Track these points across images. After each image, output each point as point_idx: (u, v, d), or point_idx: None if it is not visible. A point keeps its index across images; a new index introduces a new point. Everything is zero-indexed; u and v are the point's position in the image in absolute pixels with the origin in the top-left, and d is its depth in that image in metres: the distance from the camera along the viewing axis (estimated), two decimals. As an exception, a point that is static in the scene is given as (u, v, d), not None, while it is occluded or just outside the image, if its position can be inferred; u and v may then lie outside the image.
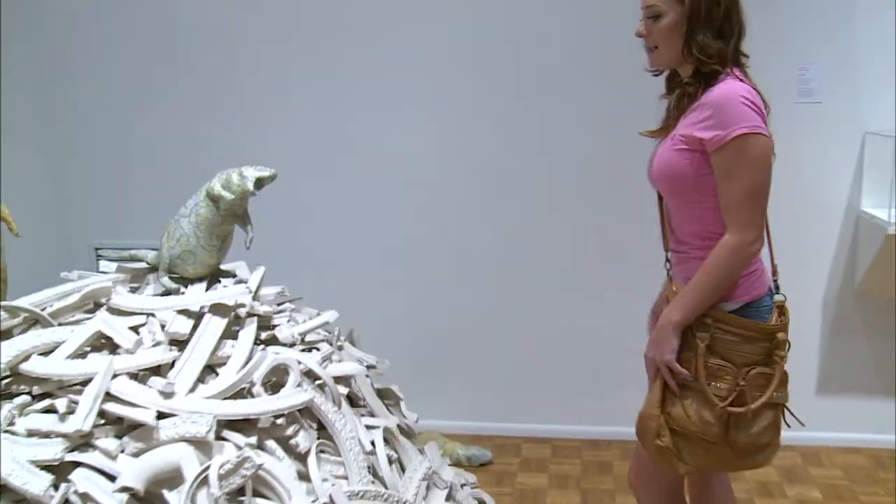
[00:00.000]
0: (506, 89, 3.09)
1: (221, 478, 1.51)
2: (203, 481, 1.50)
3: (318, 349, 2.10)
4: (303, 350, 2.09)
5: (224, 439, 1.63)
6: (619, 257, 3.06)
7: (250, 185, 1.97)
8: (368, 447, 1.98)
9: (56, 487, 1.49)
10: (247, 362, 1.79)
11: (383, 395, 2.51)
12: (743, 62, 1.69)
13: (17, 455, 1.52)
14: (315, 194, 3.26)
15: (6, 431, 1.58)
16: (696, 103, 1.63)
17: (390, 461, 2.11)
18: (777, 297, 1.71)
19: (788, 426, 1.75)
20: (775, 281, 1.75)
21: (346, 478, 1.85)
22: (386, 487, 1.93)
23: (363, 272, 3.26)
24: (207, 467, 1.51)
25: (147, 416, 1.57)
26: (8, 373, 1.68)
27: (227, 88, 3.25)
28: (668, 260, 1.80)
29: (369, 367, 2.37)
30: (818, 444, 3.03)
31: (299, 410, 1.85)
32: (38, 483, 1.48)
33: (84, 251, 3.40)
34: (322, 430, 1.91)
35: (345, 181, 3.24)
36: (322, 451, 1.87)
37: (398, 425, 2.39)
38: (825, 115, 2.92)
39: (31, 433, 1.58)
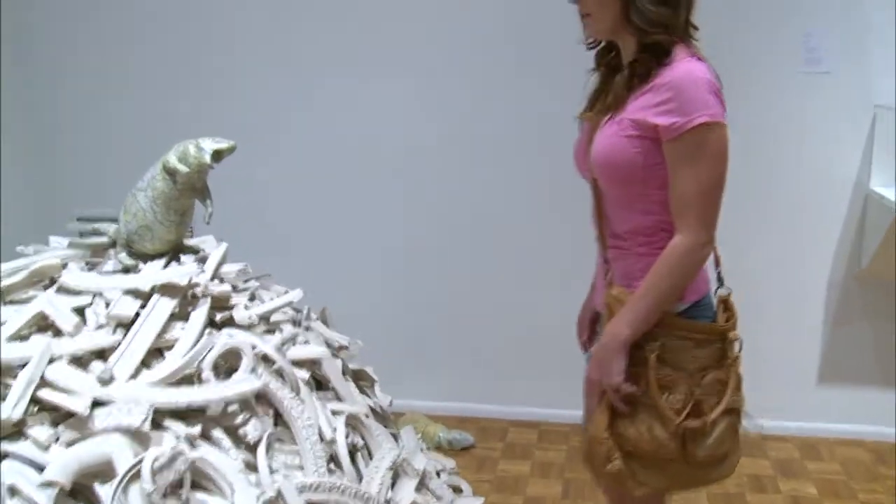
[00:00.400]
0: (505, 87, 2.96)
1: (155, 472, 1.42)
2: (136, 475, 1.42)
3: (281, 330, 2.01)
4: (266, 331, 2.00)
5: (164, 429, 1.55)
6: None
7: (207, 158, 1.87)
8: (331, 435, 1.89)
9: (-17, 478, 1.42)
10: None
11: (359, 376, 2.43)
12: (692, 35, 1.48)
13: (-55, 443, 1.45)
14: (302, 177, 3.17)
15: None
16: (648, 84, 1.42)
17: (356, 449, 2.03)
18: (721, 291, 1.55)
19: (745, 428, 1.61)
20: (719, 273, 1.58)
21: (302, 468, 1.77)
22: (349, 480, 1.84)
23: (351, 252, 3.17)
24: (140, 461, 1.43)
25: (80, 405, 1.48)
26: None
27: (223, 69, 3.19)
28: (606, 260, 1.60)
29: (341, 347, 2.29)
30: (818, 436, 2.89)
31: (255, 397, 1.77)
32: (-37, 473, 1.41)
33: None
34: (281, 417, 1.82)
35: (335, 165, 3.15)
36: (280, 441, 1.79)
37: (373, 409, 2.31)
38: (833, 86, 2.73)
39: (-39, 419, 1.51)
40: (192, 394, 1.60)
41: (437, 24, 2.98)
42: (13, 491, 1.43)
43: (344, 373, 2.28)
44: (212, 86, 3.18)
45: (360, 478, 1.94)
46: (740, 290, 1.63)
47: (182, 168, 1.86)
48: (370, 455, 2.07)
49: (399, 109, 3.06)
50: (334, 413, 2.01)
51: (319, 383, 2.12)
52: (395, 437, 2.37)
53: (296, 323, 2.13)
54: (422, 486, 2.21)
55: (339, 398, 2.10)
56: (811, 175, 2.82)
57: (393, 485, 2.04)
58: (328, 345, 2.23)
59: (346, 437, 1.95)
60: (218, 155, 1.89)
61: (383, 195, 3.12)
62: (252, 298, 2.08)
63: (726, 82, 1.48)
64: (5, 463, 1.45)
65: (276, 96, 3.14)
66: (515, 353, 3.10)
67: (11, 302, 1.77)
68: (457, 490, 2.45)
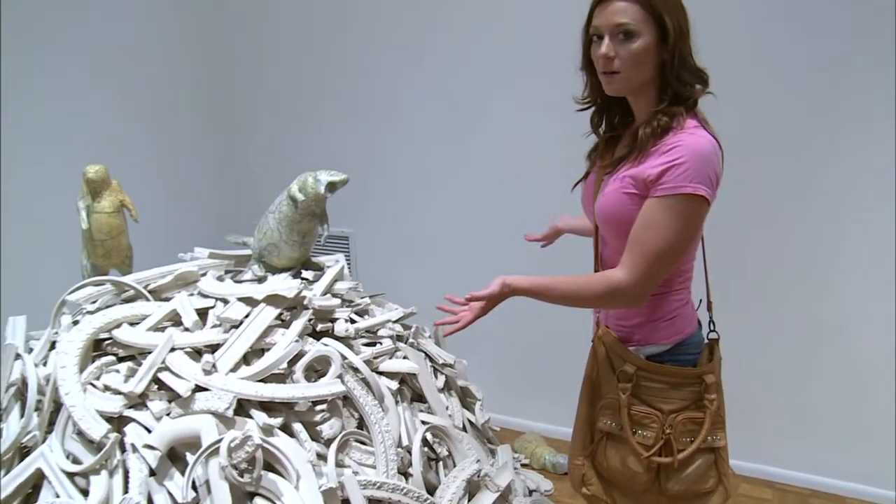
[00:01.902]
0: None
1: (231, 451, 1.70)
2: (216, 451, 1.71)
3: (380, 344, 2.24)
4: (367, 343, 2.24)
5: (249, 417, 1.84)
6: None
7: (321, 189, 2.15)
8: (414, 443, 2.08)
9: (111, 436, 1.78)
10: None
11: (465, 393, 2.61)
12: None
13: (89, 404, 1.84)
14: (441, 196, 3.40)
15: (90, 384, 1.91)
16: (656, 146, 1.48)
17: (438, 459, 2.21)
18: (712, 335, 1.58)
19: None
20: (711, 318, 1.60)
21: (374, 468, 1.98)
22: (417, 485, 2.03)
23: (488, 275, 3.36)
24: (220, 439, 1.72)
25: (184, 388, 1.80)
26: (107, 336, 2.02)
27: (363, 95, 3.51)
28: None
29: (445, 365, 2.47)
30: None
31: (342, 401, 2.02)
32: (98, 429, 1.77)
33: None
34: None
35: (469, 182, 3.36)
36: (361, 442, 2.01)
37: (473, 424, 2.48)
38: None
39: (105, 388, 1.89)
40: (276, 390, 1.87)
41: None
42: (133, 448, 1.78)
43: (449, 388, 2.48)
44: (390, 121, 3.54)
45: (437, 486, 2.12)
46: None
47: (300, 196, 2.15)
48: (455, 466, 2.24)
49: (540, 135, 3.20)
50: (424, 423, 2.21)
51: (421, 397, 2.33)
52: (493, 453, 2.53)
53: (399, 338, 2.36)
54: (503, 502, 2.34)
55: (431, 411, 2.30)
56: None
57: (472, 497, 2.20)
58: (432, 361, 2.44)
59: (425, 446, 2.14)
60: (332, 186, 2.17)
61: (526, 219, 3.28)
62: (362, 314, 2.34)
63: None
64: (130, 426, 1.81)
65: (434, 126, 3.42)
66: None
67: (161, 299, 2.17)
68: (543, 513, 2.55)
